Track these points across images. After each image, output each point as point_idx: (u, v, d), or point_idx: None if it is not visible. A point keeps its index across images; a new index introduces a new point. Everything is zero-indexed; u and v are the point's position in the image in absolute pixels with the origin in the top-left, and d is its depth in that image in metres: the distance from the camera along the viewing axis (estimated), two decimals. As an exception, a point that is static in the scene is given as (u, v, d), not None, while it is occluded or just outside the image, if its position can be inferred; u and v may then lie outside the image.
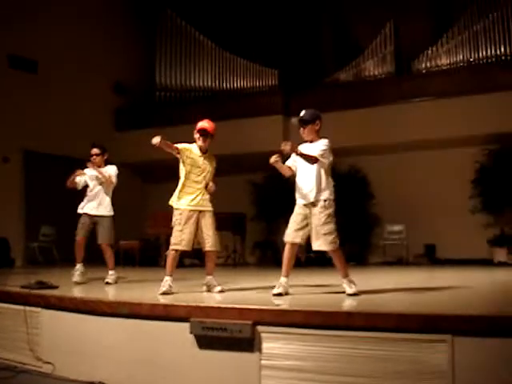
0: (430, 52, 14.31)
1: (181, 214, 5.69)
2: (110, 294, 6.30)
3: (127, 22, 16.89)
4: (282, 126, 14.35)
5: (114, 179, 7.37)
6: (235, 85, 16.35)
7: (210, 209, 5.86)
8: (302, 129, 5.43)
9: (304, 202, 5.30)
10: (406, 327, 3.80)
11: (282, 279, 5.32)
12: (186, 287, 6.22)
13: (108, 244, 7.34)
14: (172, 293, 5.57)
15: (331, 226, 5.20)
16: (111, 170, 7.39)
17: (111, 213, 7.36)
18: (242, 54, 16.28)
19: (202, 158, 5.84)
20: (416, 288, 6.15)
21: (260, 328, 4.20)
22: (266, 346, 4.18)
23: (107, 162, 7.49)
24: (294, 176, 5.47)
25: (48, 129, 14.07)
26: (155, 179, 16.10)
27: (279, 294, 5.20)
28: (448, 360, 3.65)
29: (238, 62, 16.38)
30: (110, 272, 7.31)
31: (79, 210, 7.30)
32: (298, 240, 5.31)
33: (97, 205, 7.26)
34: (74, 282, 6.92)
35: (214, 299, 5.35)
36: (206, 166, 5.85)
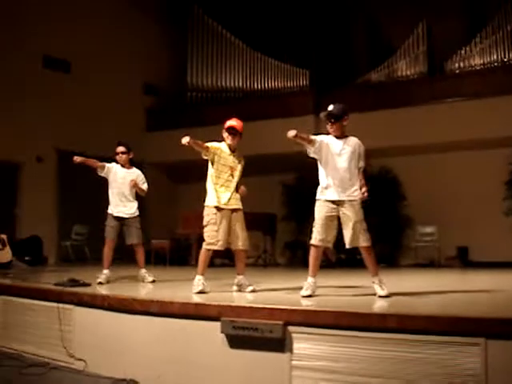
0: (463, 52, 14.11)
1: (215, 213, 5.69)
2: (142, 292, 6.35)
3: (159, 23, 16.97)
4: (313, 126, 14.20)
5: (146, 189, 7.48)
6: (266, 85, 16.31)
7: (241, 207, 5.89)
8: (329, 123, 5.37)
9: (338, 198, 5.20)
10: (438, 330, 3.76)
11: (310, 279, 5.28)
12: (216, 287, 6.23)
13: (140, 243, 7.40)
14: (206, 292, 5.61)
15: (365, 224, 5.18)
16: (144, 182, 7.45)
17: (138, 213, 7.40)
18: (273, 54, 16.24)
19: (232, 157, 5.87)
20: (448, 291, 6.07)
21: (291, 328, 4.20)
22: (297, 346, 4.18)
23: (132, 162, 7.54)
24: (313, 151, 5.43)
25: (80, 128, 14.20)
26: (186, 179, 16.16)
27: (309, 296, 5.17)
28: (481, 363, 3.61)
29: (269, 62, 16.32)
30: (144, 270, 7.39)
31: (114, 213, 7.24)
32: (329, 244, 5.29)
33: (127, 207, 7.29)
34: (98, 283, 6.78)
35: (245, 299, 5.36)
36: (236, 165, 5.88)
